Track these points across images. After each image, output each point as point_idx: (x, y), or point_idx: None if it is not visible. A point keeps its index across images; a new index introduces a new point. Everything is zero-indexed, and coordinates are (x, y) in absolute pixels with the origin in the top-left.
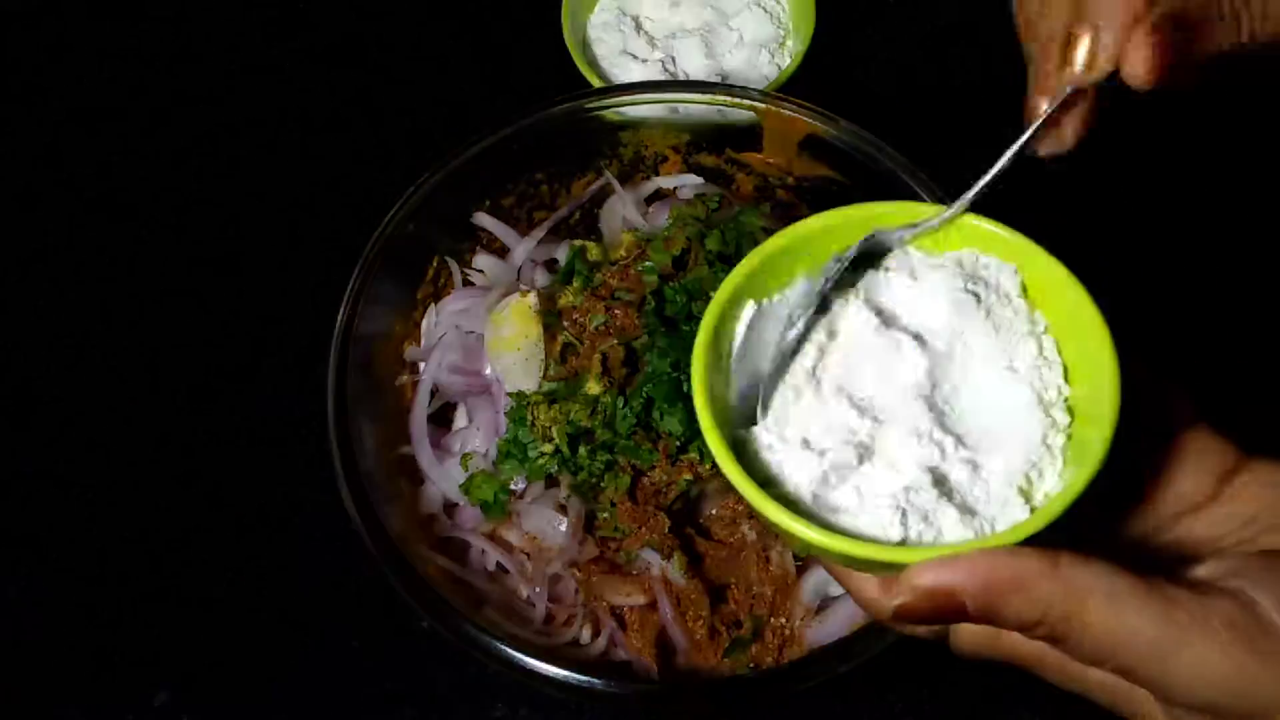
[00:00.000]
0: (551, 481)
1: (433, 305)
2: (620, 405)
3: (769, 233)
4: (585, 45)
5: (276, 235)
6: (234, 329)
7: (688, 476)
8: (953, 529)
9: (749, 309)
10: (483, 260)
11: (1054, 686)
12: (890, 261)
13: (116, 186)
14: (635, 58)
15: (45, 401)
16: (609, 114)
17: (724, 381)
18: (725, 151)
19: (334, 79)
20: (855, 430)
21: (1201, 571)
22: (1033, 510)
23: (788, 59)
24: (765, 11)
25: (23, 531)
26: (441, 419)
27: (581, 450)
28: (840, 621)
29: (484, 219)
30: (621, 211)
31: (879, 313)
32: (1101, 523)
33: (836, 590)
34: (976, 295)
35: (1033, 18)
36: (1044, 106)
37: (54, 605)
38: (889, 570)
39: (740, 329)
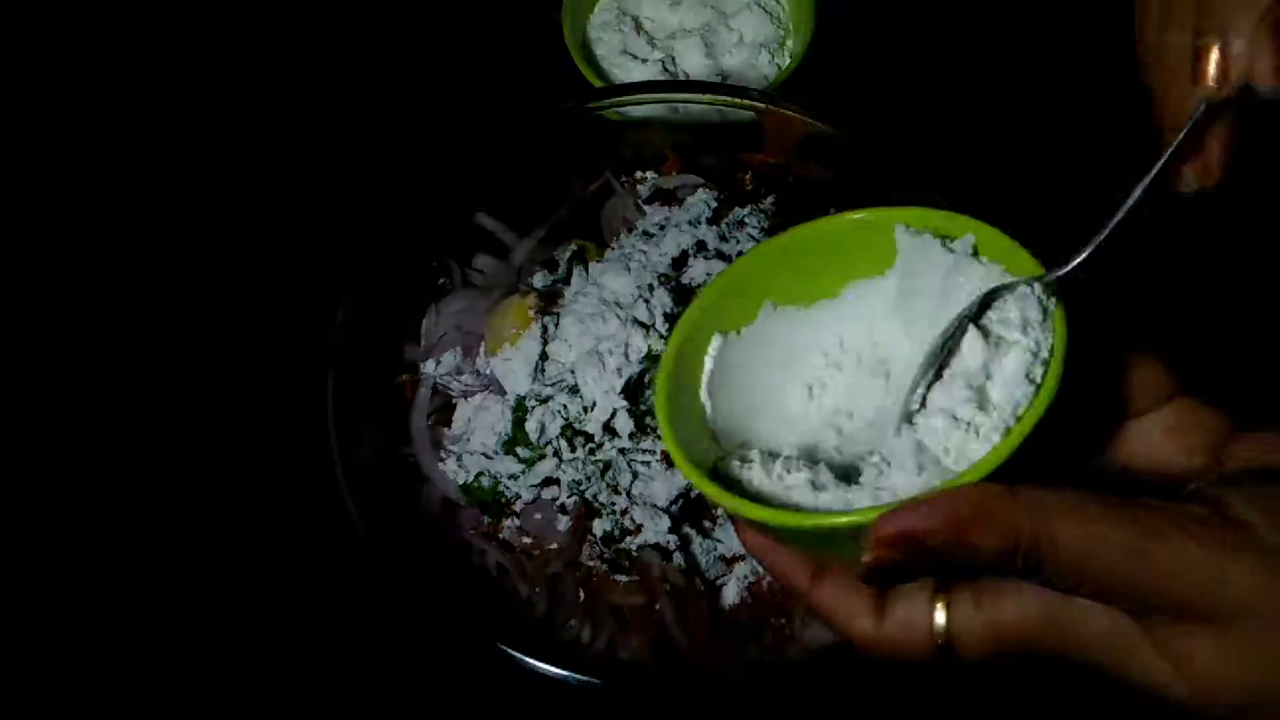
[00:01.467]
0: (551, 481)
1: (433, 305)
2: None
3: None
4: (585, 45)
5: (276, 235)
6: (233, 329)
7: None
8: (909, 485)
9: (716, 342)
10: (483, 260)
11: (1057, 689)
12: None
13: (114, 186)
14: (635, 58)
15: (44, 401)
16: (609, 114)
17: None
18: (725, 151)
19: (333, 78)
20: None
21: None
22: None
23: (788, 59)
24: (765, 11)
25: (23, 531)
26: (442, 419)
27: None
28: None
29: (484, 219)
30: (621, 211)
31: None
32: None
33: None
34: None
35: (1153, 38)
36: (1178, 136)
37: (54, 605)
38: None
39: (709, 362)
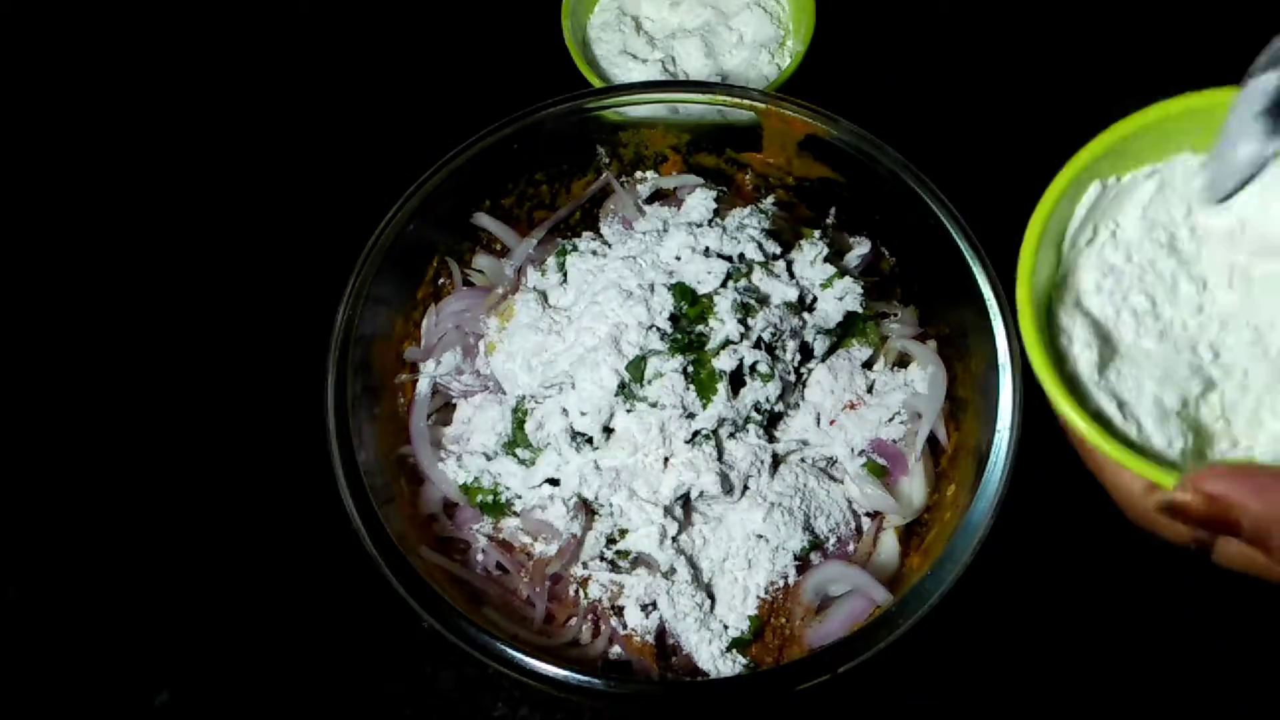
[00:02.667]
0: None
1: (433, 305)
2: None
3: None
4: (585, 45)
5: (277, 235)
6: (234, 329)
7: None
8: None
9: (1093, 189)
10: (483, 260)
11: (1055, 688)
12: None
13: (116, 187)
14: (635, 58)
15: (45, 402)
16: (609, 114)
17: (1051, 261)
18: (725, 151)
19: (334, 79)
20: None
21: None
22: None
23: (788, 59)
24: (765, 11)
25: (23, 531)
26: (442, 419)
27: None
28: (840, 621)
29: (484, 219)
30: (621, 211)
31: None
32: None
33: (836, 590)
34: None
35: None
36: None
37: (54, 605)
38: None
39: (1080, 210)
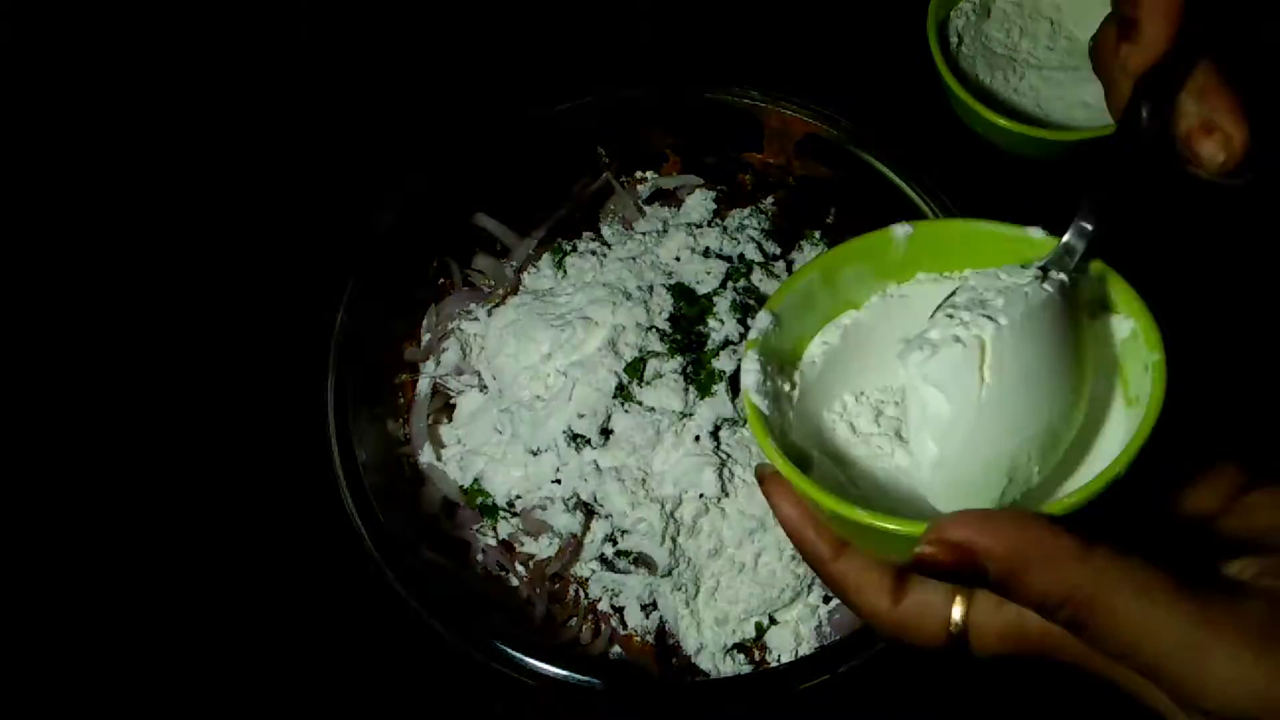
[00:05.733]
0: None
1: (433, 305)
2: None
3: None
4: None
5: (276, 236)
6: (233, 329)
7: None
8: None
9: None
10: (483, 260)
11: (1055, 688)
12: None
13: (115, 186)
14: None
15: (43, 402)
16: (609, 114)
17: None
18: (725, 151)
19: (334, 78)
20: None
21: (1232, 569)
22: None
23: None
24: None
25: (23, 532)
26: (441, 419)
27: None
28: (840, 621)
29: (484, 219)
30: (621, 211)
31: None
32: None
33: None
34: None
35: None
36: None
37: (54, 606)
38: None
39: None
